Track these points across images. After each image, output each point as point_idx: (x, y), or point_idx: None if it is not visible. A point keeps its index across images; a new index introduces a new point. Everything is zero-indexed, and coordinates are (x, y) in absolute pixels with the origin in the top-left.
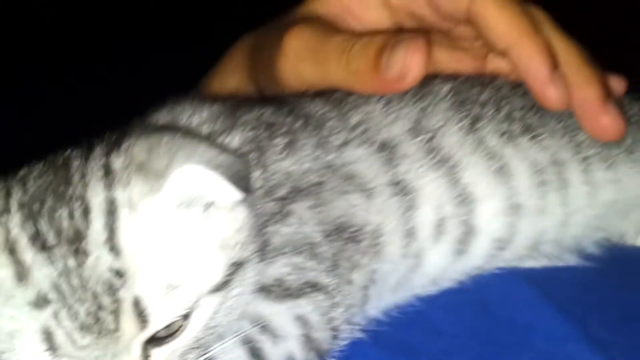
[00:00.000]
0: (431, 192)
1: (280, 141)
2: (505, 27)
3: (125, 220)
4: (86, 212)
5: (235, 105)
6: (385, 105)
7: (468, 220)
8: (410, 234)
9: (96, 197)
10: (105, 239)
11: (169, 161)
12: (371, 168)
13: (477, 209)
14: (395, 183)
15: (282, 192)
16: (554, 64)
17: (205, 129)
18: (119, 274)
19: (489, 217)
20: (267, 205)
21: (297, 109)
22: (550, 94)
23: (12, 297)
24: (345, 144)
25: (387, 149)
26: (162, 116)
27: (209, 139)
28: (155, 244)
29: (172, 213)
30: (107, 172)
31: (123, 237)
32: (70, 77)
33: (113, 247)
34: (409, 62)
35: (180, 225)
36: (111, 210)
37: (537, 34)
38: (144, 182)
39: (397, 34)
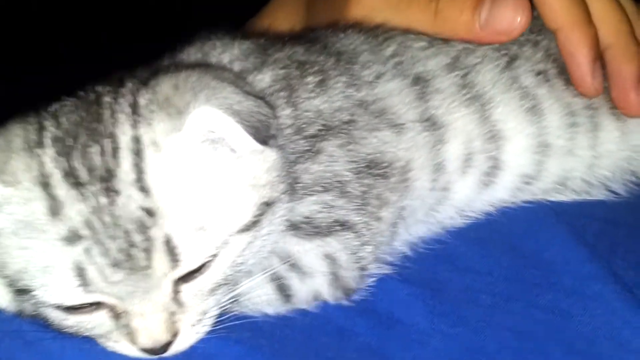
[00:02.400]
0: (461, 127)
1: (311, 80)
2: (559, 9)
3: (151, 159)
4: (116, 150)
5: (267, 43)
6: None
7: (496, 156)
8: (439, 168)
9: (124, 135)
10: (134, 178)
11: (191, 99)
12: (403, 102)
13: (505, 146)
14: (426, 119)
15: (312, 130)
16: (597, 56)
17: (236, 67)
18: (150, 212)
19: (517, 153)
20: (298, 143)
21: (329, 45)
22: (587, 84)
23: (44, 231)
24: (377, 77)
25: (420, 83)
26: (192, 53)
27: (238, 81)
28: (183, 183)
29: (198, 151)
30: (134, 109)
31: (151, 177)
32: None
33: (142, 186)
34: (517, 17)
35: (208, 163)
36: (138, 149)
37: (588, 24)
38: (166, 119)
39: None
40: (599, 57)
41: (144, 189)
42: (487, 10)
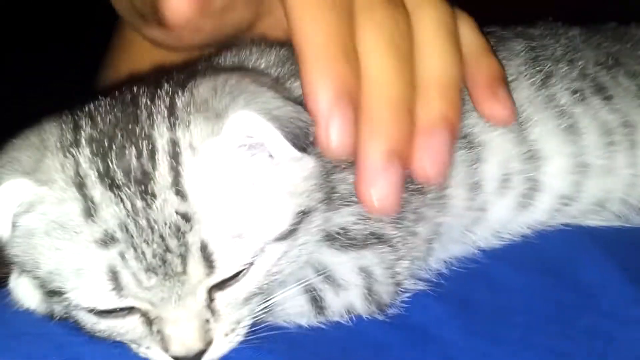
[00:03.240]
0: (498, 146)
1: None
2: (303, 27)
3: (188, 162)
4: (153, 152)
5: None
6: None
7: (534, 177)
8: (476, 187)
9: (161, 137)
10: (171, 181)
11: (229, 103)
12: None
13: (543, 166)
14: (463, 136)
15: None
16: (347, 103)
17: (273, 73)
18: (186, 217)
19: (556, 174)
20: None
21: None
22: (322, 137)
23: (78, 233)
24: None
25: None
26: (228, 57)
27: (277, 86)
28: (220, 188)
29: (235, 156)
30: (171, 111)
31: (188, 181)
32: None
33: (179, 190)
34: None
35: (245, 169)
36: (175, 152)
37: (342, 61)
38: (204, 123)
39: None
40: (350, 105)
41: (180, 193)
42: None
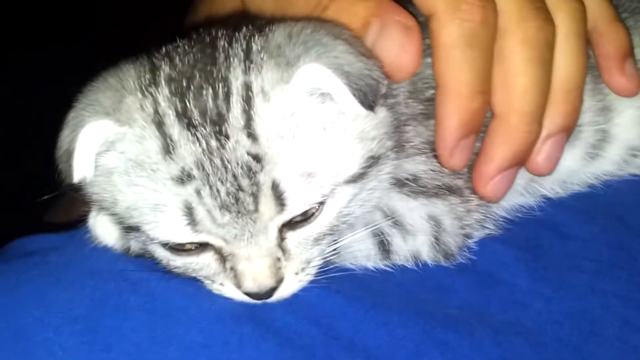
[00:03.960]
0: None
1: None
2: (445, 69)
3: (260, 107)
4: (228, 94)
5: None
6: None
7: (605, 128)
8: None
9: (236, 80)
10: (243, 124)
11: (302, 53)
12: None
13: (615, 118)
14: None
15: (428, 94)
16: (469, 133)
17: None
18: (257, 158)
19: (626, 125)
20: (411, 106)
21: None
22: (444, 158)
23: (157, 170)
24: None
25: None
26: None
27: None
28: (290, 131)
29: (305, 103)
30: (247, 54)
31: (259, 124)
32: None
33: (250, 132)
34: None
35: (315, 115)
36: (248, 96)
37: (472, 98)
38: (275, 69)
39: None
40: (474, 133)
41: (252, 135)
42: (373, 38)
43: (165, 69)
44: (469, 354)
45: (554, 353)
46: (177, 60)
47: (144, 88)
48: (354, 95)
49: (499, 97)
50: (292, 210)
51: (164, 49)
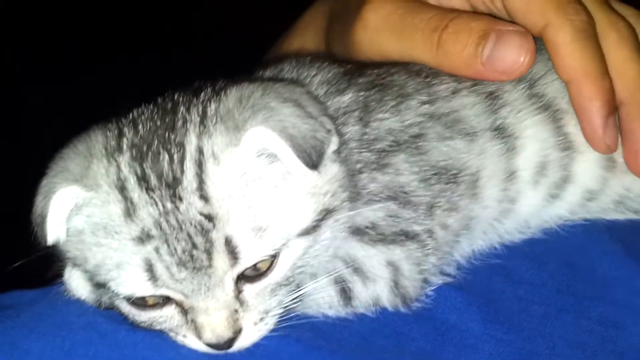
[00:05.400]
0: (535, 135)
1: (388, 102)
2: (572, 61)
3: (210, 170)
4: (182, 159)
5: (354, 68)
6: None
7: (568, 166)
8: (511, 177)
9: (190, 145)
10: (196, 186)
11: (249, 117)
12: (475, 114)
13: (577, 158)
14: (496, 128)
15: (381, 145)
16: (612, 111)
17: (323, 89)
18: (209, 218)
19: (587, 167)
20: (364, 156)
21: (409, 66)
22: (598, 141)
23: (120, 232)
24: (454, 92)
25: (491, 98)
26: (286, 70)
27: (305, 101)
28: (241, 191)
29: (254, 164)
30: (202, 119)
31: (210, 186)
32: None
33: (202, 195)
34: (520, 57)
35: (265, 173)
36: (200, 160)
37: (603, 77)
38: (225, 133)
39: (489, 18)
40: (614, 111)
41: (203, 197)
42: (491, 47)
43: (129, 135)
44: None
45: None
46: (140, 126)
47: (109, 154)
48: (298, 156)
49: (619, 86)
50: (245, 262)
51: (130, 115)
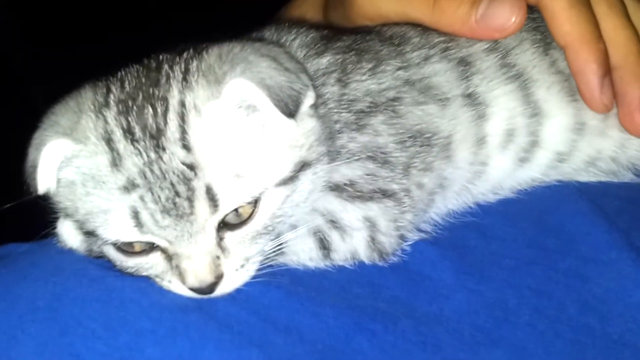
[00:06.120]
0: (504, 104)
1: (365, 65)
2: (569, 27)
3: (193, 121)
4: (166, 112)
5: (330, 33)
6: None
7: (536, 132)
8: (480, 142)
9: (172, 99)
10: (178, 137)
11: (228, 70)
12: (447, 80)
13: (545, 123)
14: (468, 94)
15: (360, 106)
16: (606, 71)
17: (302, 52)
18: (191, 167)
19: (555, 131)
20: (343, 116)
21: (382, 32)
22: (596, 101)
23: (107, 182)
24: (425, 59)
25: (463, 64)
26: (267, 34)
27: (281, 57)
28: (221, 141)
29: (234, 115)
30: (184, 75)
31: (192, 136)
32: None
33: (185, 144)
34: (512, 17)
35: (244, 125)
36: (182, 112)
37: (597, 40)
38: (206, 87)
39: None
40: (608, 72)
41: (186, 147)
42: (485, 6)
43: (116, 91)
44: (393, 340)
45: (470, 337)
46: (126, 83)
47: (97, 109)
48: (276, 105)
49: (611, 51)
50: (224, 209)
51: (119, 73)
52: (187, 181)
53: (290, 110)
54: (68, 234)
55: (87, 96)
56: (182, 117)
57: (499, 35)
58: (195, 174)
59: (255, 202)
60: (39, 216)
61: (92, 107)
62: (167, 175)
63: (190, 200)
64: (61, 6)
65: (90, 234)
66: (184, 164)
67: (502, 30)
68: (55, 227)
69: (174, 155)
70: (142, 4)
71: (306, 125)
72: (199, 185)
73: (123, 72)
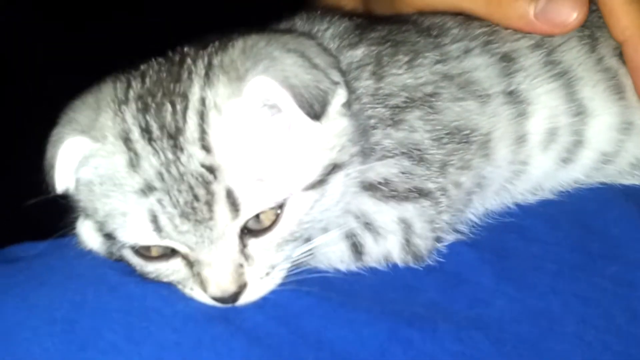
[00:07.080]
0: (546, 102)
1: (402, 57)
2: (627, 22)
3: (213, 120)
4: (185, 110)
5: (365, 23)
6: None
7: (580, 131)
8: (521, 140)
9: (193, 96)
10: (197, 137)
11: (251, 67)
12: (488, 76)
13: (590, 122)
14: (510, 92)
15: (395, 101)
16: None
17: (335, 43)
18: (210, 169)
19: (601, 130)
20: (379, 112)
21: (419, 23)
22: None
23: (124, 184)
24: (466, 51)
25: (506, 60)
26: (299, 24)
27: (310, 51)
28: (243, 142)
29: (257, 114)
30: (207, 70)
31: (212, 136)
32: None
33: (204, 145)
34: (574, 13)
35: (267, 125)
36: (202, 111)
37: None
38: (227, 84)
39: None
40: None
41: (205, 148)
42: (545, 0)
43: (136, 87)
44: (431, 350)
45: (513, 349)
46: (147, 78)
47: (116, 106)
48: (300, 106)
49: None
50: (245, 214)
51: (141, 67)
52: (206, 184)
53: (316, 112)
54: (88, 235)
55: (107, 91)
56: (202, 116)
57: (559, 32)
58: (215, 177)
59: (280, 207)
60: (55, 213)
61: (111, 103)
62: (185, 178)
63: (209, 204)
64: None
65: (109, 236)
66: (203, 165)
67: (563, 26)
68: (73, 227)
69: (193, 156)
70: None
71: (337, 125)
72: (218, 189)
73: (145, 66)
